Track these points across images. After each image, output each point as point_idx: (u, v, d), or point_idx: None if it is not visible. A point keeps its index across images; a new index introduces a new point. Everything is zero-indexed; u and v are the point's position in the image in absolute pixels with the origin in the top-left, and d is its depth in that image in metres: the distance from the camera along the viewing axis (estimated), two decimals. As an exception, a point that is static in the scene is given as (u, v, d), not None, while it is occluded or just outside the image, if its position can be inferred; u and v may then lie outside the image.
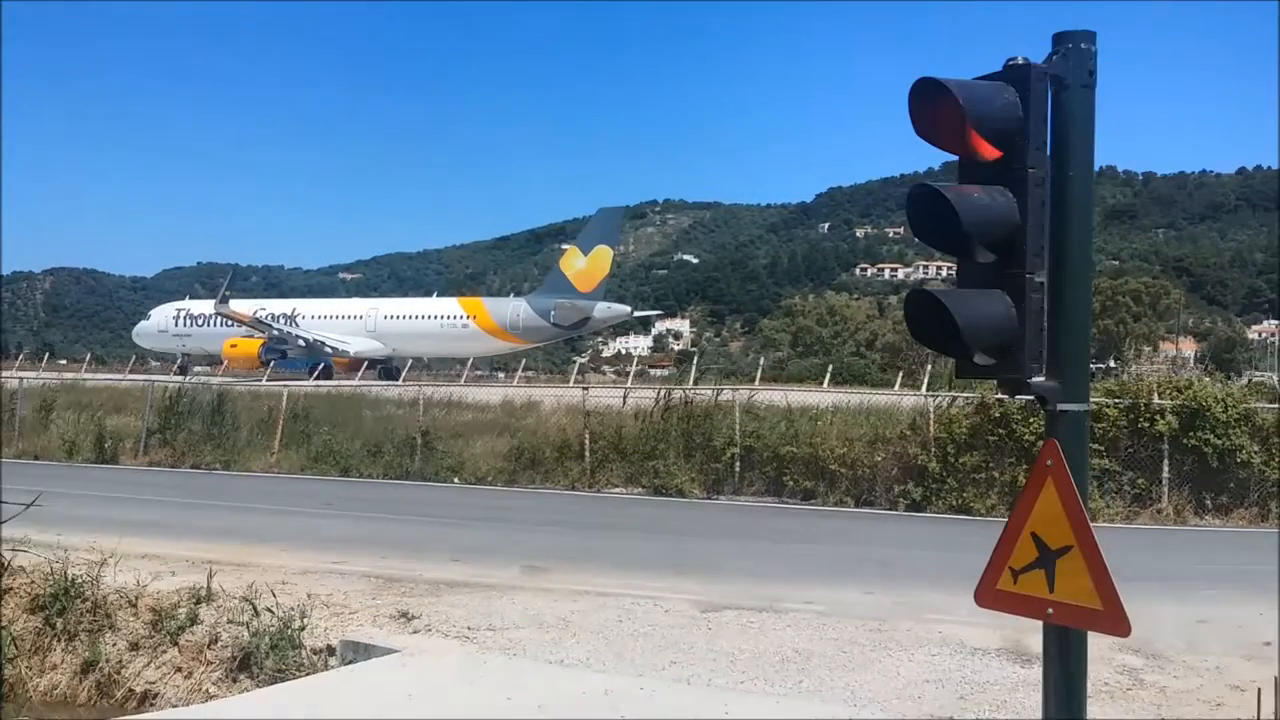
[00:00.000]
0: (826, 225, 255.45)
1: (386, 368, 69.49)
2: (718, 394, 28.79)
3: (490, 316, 71.37)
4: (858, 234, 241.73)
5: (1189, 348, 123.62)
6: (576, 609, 13.06)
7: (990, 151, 4.56)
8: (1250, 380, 38.77)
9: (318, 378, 50.62)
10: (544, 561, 16.33)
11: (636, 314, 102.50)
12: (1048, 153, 4.63)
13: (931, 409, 24.82)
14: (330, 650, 11.78)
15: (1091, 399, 21.39)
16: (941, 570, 14.96)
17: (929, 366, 36.65)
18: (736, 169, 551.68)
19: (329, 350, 70.31)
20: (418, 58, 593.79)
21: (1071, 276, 4.69)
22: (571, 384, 44.34)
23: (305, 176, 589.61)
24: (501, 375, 74.29)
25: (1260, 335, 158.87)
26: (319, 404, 34.49)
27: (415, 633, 12.09)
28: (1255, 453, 22.66)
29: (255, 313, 73.27)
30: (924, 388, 30.13)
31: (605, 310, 72.45)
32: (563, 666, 10.74)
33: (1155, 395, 23.57)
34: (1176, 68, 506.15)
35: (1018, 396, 4.84)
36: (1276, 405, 24.16)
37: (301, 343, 70.37)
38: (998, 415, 23.34)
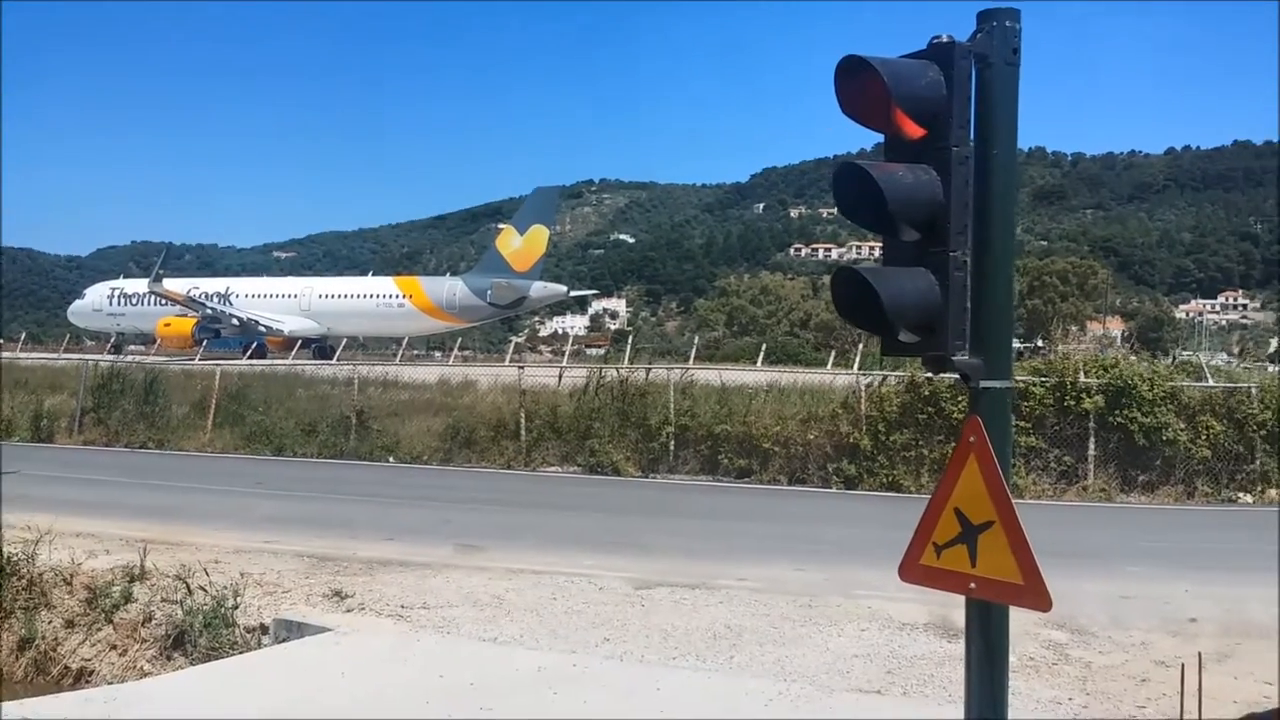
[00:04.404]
0: (761, 205, 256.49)
1: (321, 347, 68.79)
2: (649, 372, 28.89)
3: (426, 296, 70.91)
4: (792, 214, 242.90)
5: (1116, 327, 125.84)
6: (511, 587, 13.05)
7: (915, 130, 4.55)
8: (1176, 359, 39.53)
9: (251, 357, 50.06)
10: (479, 540, 16.29)
11: (573, 293, 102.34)
12: (972, 131, 4.64)
13: (863, 387, 25.08)
14: (263, 629, 11.74)
15: (1019, 378, 21.74)
16: (871, 547, 15.09)
17: (861, 345, 36.96)
18: (672, 149, 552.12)
19: (263, 329, 69.65)
20: (352, 36, 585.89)
21: (995, 255, 4.70)
22: (508, 363, 44.14)
23: (239, 154, 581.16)
24: (438, 354, 73.84)
25: (1187, 314, 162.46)
26: (253, 383, 34.13)
27: (349, 611, 12.02)
28: (1181, 430, 23.14)
29: (189, 291, 72.41)
30: (855, 366, 30.37)
31: (542, 290, 72.30)
32: (496, 644, 10.73)
33: (1082, 374, 23.99)
34: (1106, 49, 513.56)
35: (942, 374, 4.85)
36: (1202, 384, 24.69)
37: (235, 322, 69.60)
38: (927, 394, 23.65)
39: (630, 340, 50.50)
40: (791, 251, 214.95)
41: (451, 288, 71.49)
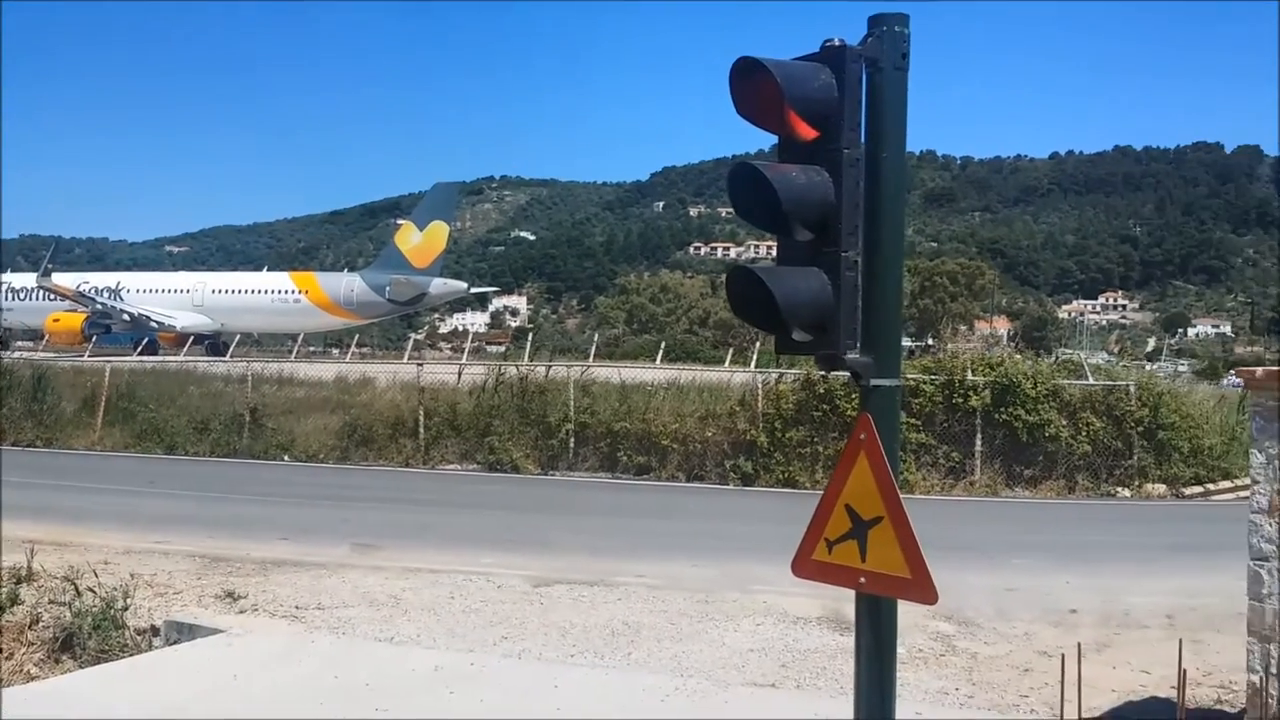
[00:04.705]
0: (661, 204, 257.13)
1: (214, 343, 67.41)
2: (549, 370, 28.92)
3: (323, 291, 70.12)
4: (691, 213, 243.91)
5: (1003, 326, 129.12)
6: (408, 586, 12.95)
7: (807, 131, 4.60)
8: (1059, 357, 40.74)
9: (142, 353, 48.97)
10: (375, 539, 16.14)
11: (473, 290, 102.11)
12: (862, 133, 4.73)
13: (760, 385, 25.36)
14: (154, 631, 11.48)
15: (909, 375, 22.18)
16: (767, 542, 15.23)
17: (758, 343, 37.42)
18: (573, 147, 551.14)
19: (154, 325, 68.44)
20: (246, 28, 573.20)
21: (884, 255, 4.77)
22: (406, 360, 43.70)
23: (130, 146, 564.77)
24: (335, 351, 72.94)
25: (1070, 314, 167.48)
26: (144, 380, 33.29)
27: (241, 613, 11.82)
28: (1063, 427, 23.85)
29: (78, 286, 70.76)
30: (753, 364, 30.69)
31: (441, 286, 71.94)
32: (392, 644, 10.64)
33: (969, 372, 24.58)
34: (994, 55, 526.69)
35: (834, 371, 4.92)
36: (1083, 382, 25.48)
37: (126, 317, 68.25)
38: (822, 391, 24.01)
39: (531, 337, 50.28)
40: (691, 250, 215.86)
41: (349, 283, 70.83)
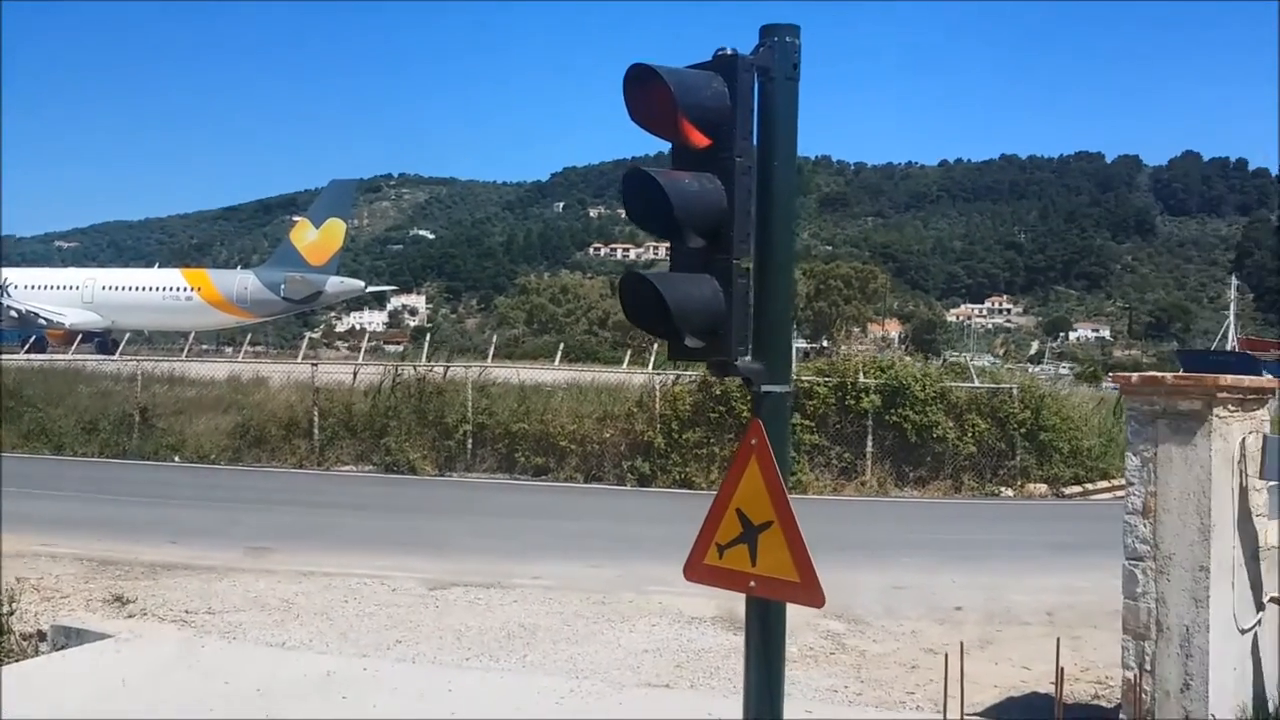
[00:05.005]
0: (561, 205, 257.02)
1: (103, 341, 65.62)
2: (447, 370, 28.76)
3: (216, 289, 68.68)
4: (591, 214, 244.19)
5: (894, 329, 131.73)
6: (301, 590, 12.78)
7: (700, 139, 4.64)
8: (946, 360, 41.69)
9: (30, 351, 47.51)
10: (268, 542, 15.88)
11: (371, 289, 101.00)
12: (754, 142, 4.80)
13: (657, 386, 25.51)
14: (41, 636, 11.14)
15: (804, 378, 22.46)
16: (663, 543, 15.30)
17: (655, 345, 37.54)
18: (473, 146, 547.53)
19: (42, 322, 66.41)
20: (141, 19, 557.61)
21: (775, 262, 4.83)
22: (301, 360, 43.00)
23: (19, 139, 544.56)
24: (228, 350, 71.46)
25: (957, 318, 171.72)
26: (31, 378, 32.31)
27: (130, 617, 11.55)
28: (950, 428, 24.45)
29: None
30: (651, 365, 30.82)
31: (338, 285, 71.00)
32: (284, 649, 10.48)
33: (861, 374, 25.04)
34: (889, 64, 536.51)
35: (726, 377, 4.96)
36: (969, 384, 26.14)
37: (13, 314, 66.05)
38: (719, 392, 24.22)
39: (429, 337, 49.81)
40: (591, 251, 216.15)
41: (243, 281, 69.49)
